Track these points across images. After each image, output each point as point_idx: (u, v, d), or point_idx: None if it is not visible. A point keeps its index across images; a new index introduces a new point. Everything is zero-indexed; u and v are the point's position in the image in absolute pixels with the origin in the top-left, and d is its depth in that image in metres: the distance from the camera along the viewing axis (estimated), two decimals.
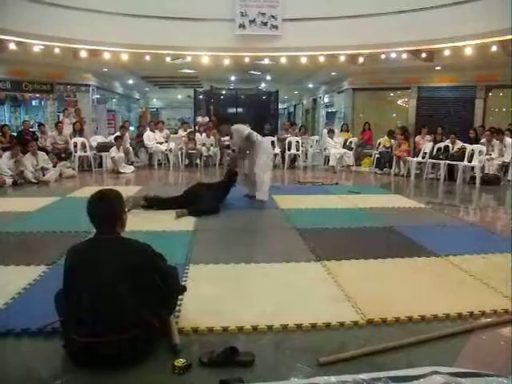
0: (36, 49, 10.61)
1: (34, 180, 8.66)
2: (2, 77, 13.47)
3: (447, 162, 9.71)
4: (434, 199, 7.93)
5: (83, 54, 11.20)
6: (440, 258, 4.05)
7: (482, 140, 10.07)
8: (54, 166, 9.52)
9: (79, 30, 9.87)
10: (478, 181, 9.01)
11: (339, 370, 2.24)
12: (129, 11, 10.09)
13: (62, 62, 12.19)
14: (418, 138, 11.69)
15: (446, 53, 10.55)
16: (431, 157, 10.17)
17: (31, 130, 11.88)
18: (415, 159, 10.41)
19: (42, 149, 9.92)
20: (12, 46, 10.31)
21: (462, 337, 2.62)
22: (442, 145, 10.37)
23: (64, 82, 14.47)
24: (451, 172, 9.72)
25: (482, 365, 2.26)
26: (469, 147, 9.60)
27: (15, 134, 11.27)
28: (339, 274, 3.60)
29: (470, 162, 9.38)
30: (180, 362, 2.22)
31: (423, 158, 10.29)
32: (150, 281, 2.38)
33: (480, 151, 9.41)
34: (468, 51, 10.05)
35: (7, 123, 13.04)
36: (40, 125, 12.00)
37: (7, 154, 8.73)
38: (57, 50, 10.78)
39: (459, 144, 10.00)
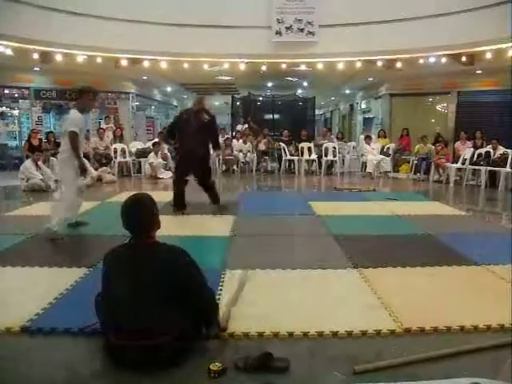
0: (80, 59, 11.00)
1: None
2: (48, 86, 14.12)
3: (488, 168, 9.45)
4: (475, 206, 7.72)
5: (124, 63, 11.53)
6: (481, 267, 3.95)
7: None
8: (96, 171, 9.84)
9: (120, 40, 10.16)
10: None
11: (375, 379, 2.22)
12: (167, 20, 10.32)
13: (104, 71, 12.57)
14: (457, 143, 11.43)
15: (488, 56, 10.28)
16: (471, 163, 9.91)
17: None
18: (454, 165, 10.17)
19: (84, 155, 10.21)
20: (58, 58, 10.75)
21: (505, 350, 2.52)
22: (482, 151, 10.10)
23: (105, 90, 14.90)
24: (493, 179, 9.44)
25: None
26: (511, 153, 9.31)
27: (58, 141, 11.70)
28: (376, 281, 3.56)
29: None
30: (215, 366, 2.24)
31: (463, 164, 10.04)
32: (185, 287, 2.39)
33: None
34: (511, 53, 9.76)
35: (52, 130, 13.56)
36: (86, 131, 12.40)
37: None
38: (99, 60, 11.15)
39: (501, 150, 9.72)
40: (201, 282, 2.50)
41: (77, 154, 4.96)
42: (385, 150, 12.13)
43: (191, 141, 5.99)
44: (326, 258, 4.19)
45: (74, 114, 5.11)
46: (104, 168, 10.52)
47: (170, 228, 4.85)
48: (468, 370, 2.28)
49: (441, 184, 10.19)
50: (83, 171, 5.07)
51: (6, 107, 14.21)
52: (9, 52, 10.08)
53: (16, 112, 14.33)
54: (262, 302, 3.17)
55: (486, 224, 6.07)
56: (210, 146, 6.42)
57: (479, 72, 12.57)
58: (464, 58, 10.87)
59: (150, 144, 12.26)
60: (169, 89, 18.39)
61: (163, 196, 7.41)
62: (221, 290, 3.31)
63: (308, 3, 10.63)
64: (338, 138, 13.21)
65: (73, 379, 2.25)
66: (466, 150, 10.34)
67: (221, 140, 12.49)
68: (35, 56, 10.66)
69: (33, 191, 8.36)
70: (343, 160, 12.65)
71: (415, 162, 11.30)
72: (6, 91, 13.95)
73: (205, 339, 2.54)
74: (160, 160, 10.99)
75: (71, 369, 2.32)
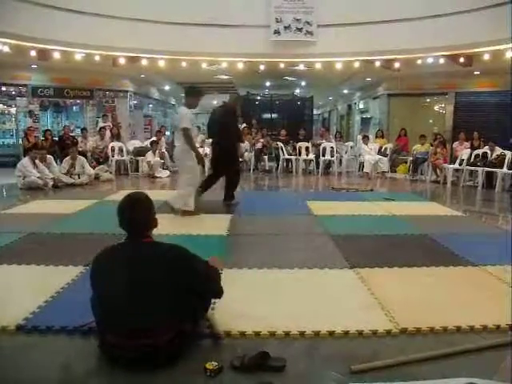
0: (78, 57, 10.98)
1: (68, 182, 8.93)
2: (46, 84, 14.08)
3: (485, 169, 9.47)
4: (472, 207, 7.74)
5: (122, 61, 11.52)
6: (477, 268, 3.96)
7: None
8: (94, 169, 9.83)
9: (118, 38, 10.15)
10: None
11: (371, 378, 2.22)
12: (166, 19, 10.30)
13: (102, 69, 12.56)
14: (455, 144, 11.45)
15: (486, 57, 10.29)
16: (469, 164, 9.93)
17: (71, 134, 12.31)
18: (452, 166, 10.18)
19: (81, 153, 10.21)
20: (56, 55, 10.73)
21: (501, 350, 2.53)
22: (480, 151, 10.12)
23: (103, 88, 14.92)
24: (490, 179, 9.47)
25: None
26: (508, 154, 9.32)
27: (56, 139, 11.73)
28: (373, 281, 3.56)
29: (510, 169, 9.10)
30: (212, 364, 2.23)
31: (460, 164, 10.05)
32: (182, 285, 2.36)
33: None
34: (509, 54, 9.77)
35: (49, 128, 13.56)
36: (83, 129, 12.43)
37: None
38: (97, 58, 11.13)
39: (498, 151, 9.74)
40: (207, 272, 2.57)
41: (193, 147, 5.63)
42: (382, 150, 12.14)
43: None
44: (323, 258, 4.18)
45: (183, 110, 5.75)
46: (101, 166, 10.51)
47: (166, 227, 4.85)
48: (464, 370, 2.29)
49: (438, 184, 10.20)
50: (201, 160, 5.68)
51: (3, 105, 14.19)
52: (6, 49, 10.05)
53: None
54: (258, 301, 3.17)
55: (483, 225, 6.08)
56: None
57: (477, 73, 12.59)
58: (462, 59, 10.89)
59: (147, 142, 12.26)
60: (167, 87, 18.37)
61: (161, 195, 7.40)
62: None
63: (307, 3, 10.62)
64: (335, 138, 13.22)
65: (68, 378, 2.25)
66: (464, 151, 10.36)
67: None
68: (33, 53, 10.64)
69: (30, 189, 8.34)
70: (341, 160, 12.65)
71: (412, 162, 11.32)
72: (3, 88, 13.92)
73: (203, 337, 2.54)
74: (158, 159, 10.98)
75: (67, 367, 2.31)
